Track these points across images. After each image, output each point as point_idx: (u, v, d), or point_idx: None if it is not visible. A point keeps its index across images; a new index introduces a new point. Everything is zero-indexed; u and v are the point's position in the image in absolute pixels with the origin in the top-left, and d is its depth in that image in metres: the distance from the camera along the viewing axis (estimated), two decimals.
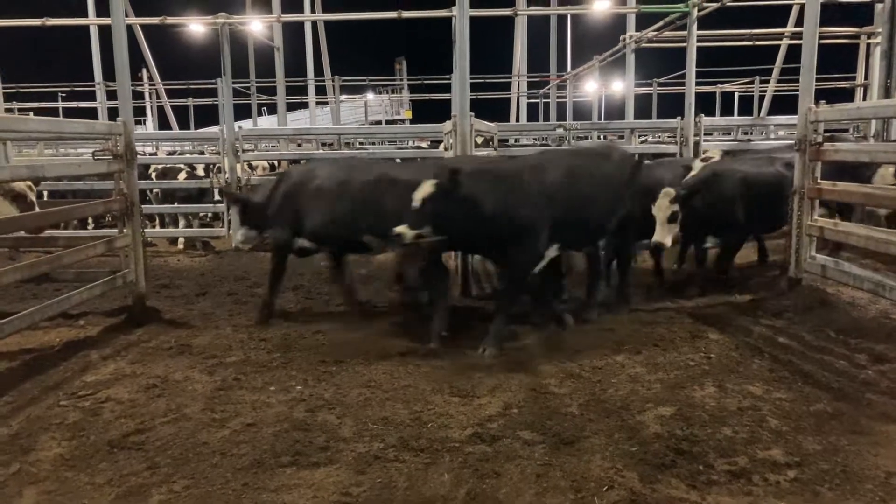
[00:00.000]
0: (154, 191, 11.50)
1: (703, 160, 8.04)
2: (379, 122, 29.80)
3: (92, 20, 18.59)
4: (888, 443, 3.63)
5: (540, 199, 5.42)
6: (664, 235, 6.30)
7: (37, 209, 7.13)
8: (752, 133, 16.73)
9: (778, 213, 7.00)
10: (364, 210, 5.98)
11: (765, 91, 19.76)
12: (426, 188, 5.05)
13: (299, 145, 15.97)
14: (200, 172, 11.47)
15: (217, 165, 10.69)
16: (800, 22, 13.44)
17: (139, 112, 24.78)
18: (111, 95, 20.21)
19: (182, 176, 11.26)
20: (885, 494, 3.14)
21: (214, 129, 16.18)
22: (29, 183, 6.86)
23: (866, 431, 3.77)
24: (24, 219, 6.46)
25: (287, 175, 6.64)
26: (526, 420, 4.01)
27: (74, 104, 24.15)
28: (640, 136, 12.84)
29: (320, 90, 25.22)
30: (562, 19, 22.74)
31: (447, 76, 18.99)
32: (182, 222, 11.46)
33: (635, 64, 14.11)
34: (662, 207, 6.29)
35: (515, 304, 5.72)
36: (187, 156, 14.43)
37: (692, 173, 7.27)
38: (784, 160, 7.18)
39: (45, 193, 10.71)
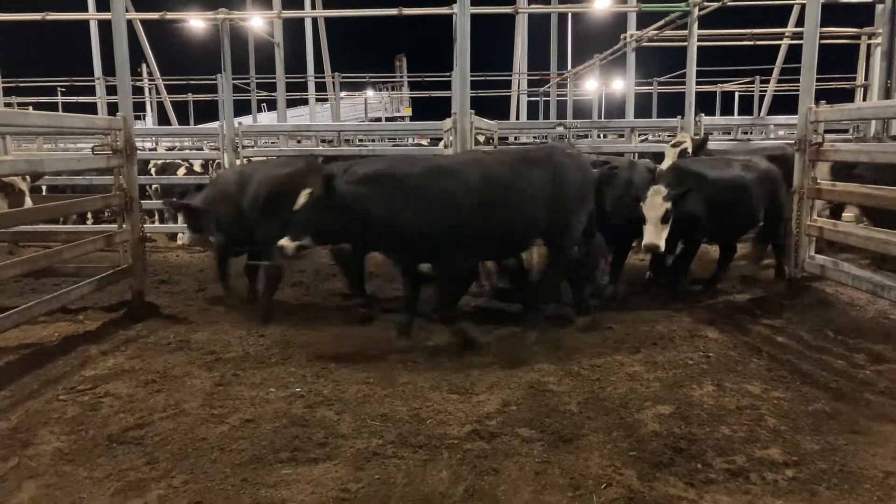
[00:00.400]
0: (154, 186, 11.48)
1: (673, 146, 7.94)
2: (379, 119, 29.78)
3: (92, 15, 18.58)
4: (886, 442, 3.64)
5: (436, 205, 5.06)
6: (657, 236, 5.97)
7: (27, 199, 7.12)
8: (751, 133, 16.72)
9: (737, 218, 6.79)
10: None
11: (765, 91, 19.77)
12: (302, 197, 4.93)
13: (299, 142, 15.95)
14: (198, 168, 11.44)
15: (217, 161, 10.68)
16: (800, 22, 13.45)
17: (139, 107, 24.75)
18: (111, 90, 20.18)
19: (181, 172, 11.24)
20: (883, 494, 3.15)
21: (214, 124, 16.12)
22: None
23: (864, 431, 3.78)
24: (24, 214, 6.47)
25: (212, 181, 6.90)
26: (524, 417, 4.02)
27: (74, 99, 24.13)
28: (640, 135, 12.84)
29: (320, 87, 25.18)
30: (562, 17, 22.72)
31: (447, 73, 19.00)
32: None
33: (636, 63, 14.08)
34: (654, 206, 5.96)
35: (453, 306, 5.54)
36: (187, 151, 14.41)
37: (665, 162, 7.17)
38: (743, 161, 6.97)
39: (44, 188, 10.71)
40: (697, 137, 8.14)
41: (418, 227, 5.02)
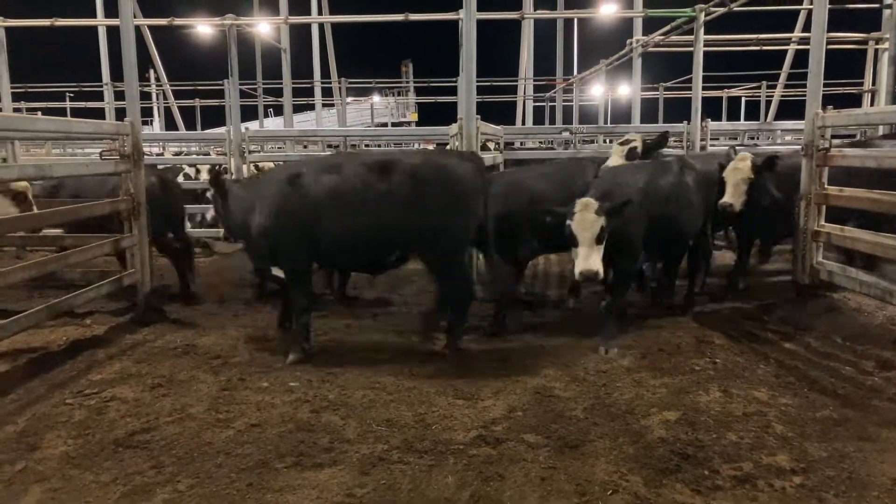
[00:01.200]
0: None
1: (621, 143, 7.09)
2: (385, 125, 29.83)
3: (100, 21, 18.65)
4: (894, 449, 3.62)
5: (283, 211, 5.18)
6: (593, 261, 4.89)
7: (34, 209, 7.17)
8: (758, 138, 16.68)
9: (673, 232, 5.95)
10: None
11: (772, 96, 19.72)
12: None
13: (305, 147, 16.01)
14: (194, 173, 11.49)
15: (223, 166, 10.71)
16: (807, 27, 13.42)
17: (146, 112, 24.88)
18: (119, 96, 20.29)
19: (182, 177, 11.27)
20: (892, 501, 3.13)
21: (221, 130, 16.20)
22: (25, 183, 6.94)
23: (873, 438, 3.75)
24: (30, 218, 6.50)
25: None
26: (530, 423, 4.01)
27: (82, 104, 24.25)
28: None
29: (327, 92, 25.27)
30: (568, 23, 22.77)
31: (453, 79, 19.01)
32: (188, 224, 11.45)
33: (642, 68, 14.08)
34: (586, 224, 4.91)
35: (307, 306, 5.39)
36: (194, 156, 14.48)
37: (611, 161, 6.64)
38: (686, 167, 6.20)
39: None
40: (650, 138, 7.22)
41: (258, 231, 5.31)
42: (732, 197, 6.29)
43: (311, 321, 5.40)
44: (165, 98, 23.67)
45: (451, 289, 5.41)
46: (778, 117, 19.10)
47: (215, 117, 25.15)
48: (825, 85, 6.56)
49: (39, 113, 17.34)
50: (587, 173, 6.43)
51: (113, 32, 17.24)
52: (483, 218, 5.35)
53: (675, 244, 6.21)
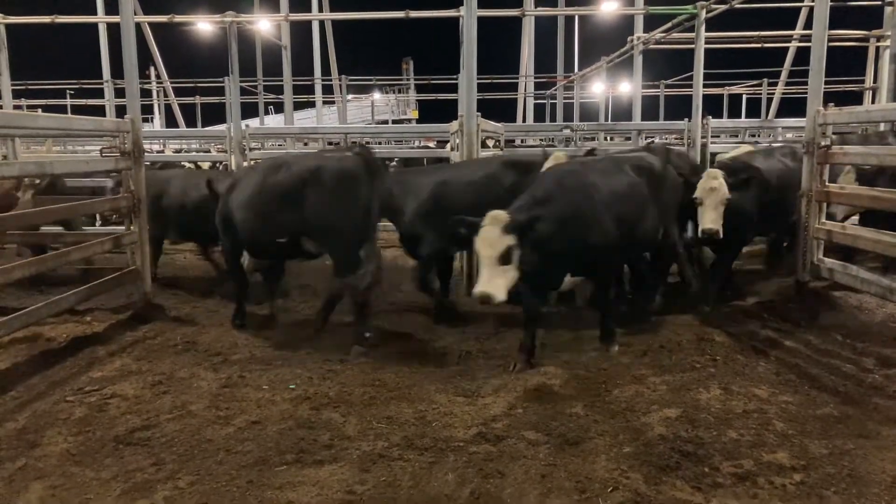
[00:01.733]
0: None
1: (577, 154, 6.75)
2: (385, 122, 29.79)
3: (101, 18, 18.63)
4: (894, 447, 3.62)
5: (223, 206, 6.02)
6: (494, 284, 4.27)
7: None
8: (759, 135, 16.68)
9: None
10: None
11: (773, 93, 19.69)
12: None
13: (305, 144, 15.99)
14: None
15: (224, 163, 10.71)
16: (809, 24, 13.39)
17: (147, 110, 24.83)
18: (119, 93, 20.26)
19: None
20: (892, 498, 3.13)
21: (221, 127, 16.22)
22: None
23: (873, 435, 3.75)
24: (33, 215, 6.51)
25: None
26: (530, 420, 4.01)
27: (83, 101, 24.21)
28: (646, 138, 12.80)
29: (327, 89, 25.21)
30: (569, 20, 22.73)
31: (454, 76, 18.98)
32: None
33: (643, 65, 14.07)
34: (489, 242, 4.30)
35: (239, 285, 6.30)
36: (194, 154, 14.49)
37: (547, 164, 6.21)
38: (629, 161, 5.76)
39: None
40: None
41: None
42: (714, 222, 5.86)
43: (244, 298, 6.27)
44: (166, 95, 23.62)
45: (340, 274, 5.57)
46: (779, 115, 19.07)
47: (216, 114, 25.18)
48: (826, 82, 6.56)
49: (40, 110, 17.31)
50: (505, 177, 6.15)
51: (113, 29, 17.22)
52: (368, 208, 5.53)
53: (631, 249, 5.62)
